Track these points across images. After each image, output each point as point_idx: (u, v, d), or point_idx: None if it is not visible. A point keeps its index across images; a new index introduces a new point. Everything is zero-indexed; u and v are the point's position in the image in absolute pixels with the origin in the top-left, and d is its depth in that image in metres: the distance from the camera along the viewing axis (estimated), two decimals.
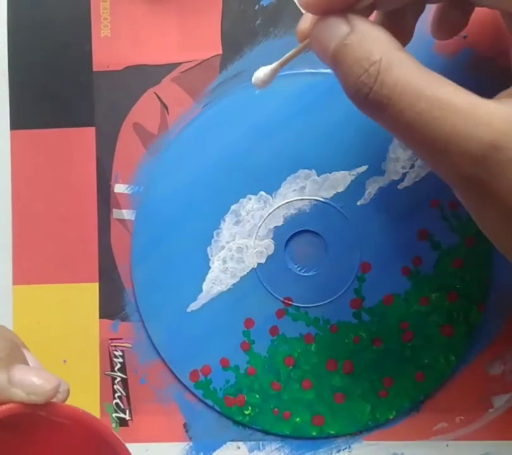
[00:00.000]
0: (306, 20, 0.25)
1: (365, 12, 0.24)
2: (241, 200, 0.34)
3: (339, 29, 0.24)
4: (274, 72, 0.26)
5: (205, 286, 0.34)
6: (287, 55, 0.26)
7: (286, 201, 0.34)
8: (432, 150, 0.23)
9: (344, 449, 0.34)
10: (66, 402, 0.25)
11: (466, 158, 0.22)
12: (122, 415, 0.35)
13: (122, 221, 0.35)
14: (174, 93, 0.35)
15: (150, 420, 0.35)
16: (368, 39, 0.23)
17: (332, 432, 0.34)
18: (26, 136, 0.35)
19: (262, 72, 0.26)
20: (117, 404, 0.35)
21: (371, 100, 0.23)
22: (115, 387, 0.35)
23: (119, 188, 0.35)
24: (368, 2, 0.24)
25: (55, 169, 0.35)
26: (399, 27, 0.28)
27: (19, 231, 0.35)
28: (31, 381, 0.24)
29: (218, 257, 0.34)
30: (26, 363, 0.26)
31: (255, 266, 0.34)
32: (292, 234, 0.34)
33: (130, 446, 0.35)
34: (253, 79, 0.26)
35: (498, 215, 0.23)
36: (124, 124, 0.35)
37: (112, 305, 0.35)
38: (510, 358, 0.33)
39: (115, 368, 0.35)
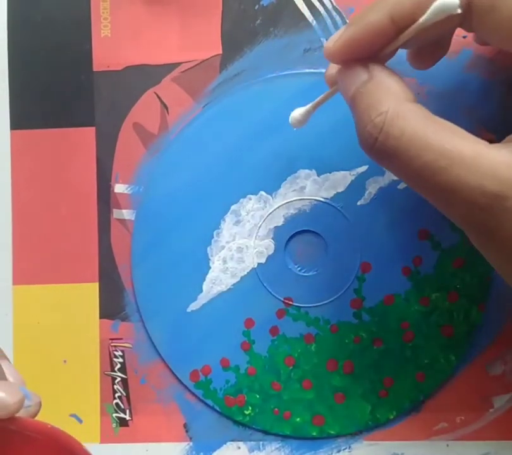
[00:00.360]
0: (333, 66, 0.26)
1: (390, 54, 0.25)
2: (241, 200, 0.34)
3: (358, 77, 0.25)
4: (308, 113, 0.28)
5: (205, 286, 0.34)
6: (320, 97, 0.28)
7: (286, 201, 0.34)
8: (440, 198, 0.23)
9: (344, 449, 0.34)
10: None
11: (472, 207, 0.22)
12: (122, 415, 0.35)
13: (122, 221, 0.35)
14: (174, 93, 0.35)
15: (150, 420, 0.35)
16: (380, 89, 0.24)
17: (332, 432, 0.34)
18: (26, 136, 0.35)
19: (297, 113, 0.29)
20: (117, 404, 0.35)
21: (377, 149, 0.24)
22: (115, 387, 0.35)
23: (119, 188, 0.35)
24: (389, 51, 0.25)
25: (55, 169, 0.35)
26: (429, 50, 0.28)
27: (19, 231, 0.35)
28: None
29: (218, 257, 0.34)
30: (3, 376, 0.26)
31: (255, 266, 0.34)
32: (292, 234, 0.34)
33: (130, 446, 0.35)
34: (290, 119, 0.29)
35: (508, 259, 0.23)
36: (124, 124, 0.35)
37: (112, 305, 0.35)
38: (510, 358, 0.33)
39: (116, 368, 0.35)
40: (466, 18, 0.22)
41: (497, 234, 0.23)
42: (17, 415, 0.24)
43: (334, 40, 0.25)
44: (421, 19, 0.22)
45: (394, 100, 0.23)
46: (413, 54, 0.28)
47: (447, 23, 0.22)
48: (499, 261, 0.24)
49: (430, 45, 0.27)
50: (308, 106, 0.28)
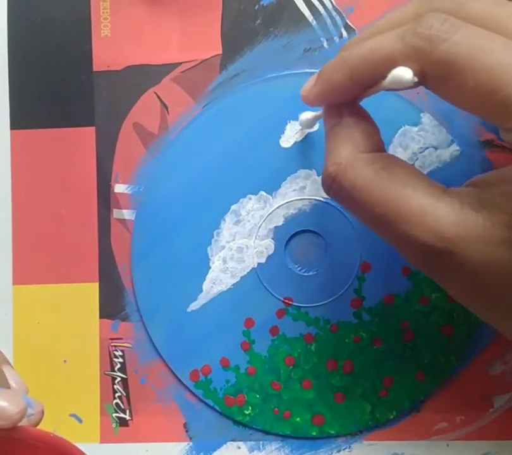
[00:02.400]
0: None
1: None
2: (241, 199, 0.34)
3: (330, 119, 0.26)
4: (317, 118, 0.30)
5: (205, 286, 0.34)
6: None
7: (286, 201, 0.34)
8: (393, 245, 0.24)
9: (344, 449, 0.34)
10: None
11: (422, 261, 0.23)
12: (122, 415, 0.35)
13: (122, 221, 0.35)
14: (174, 93, 0.35)
15: (150, 420, 0.35)
16: (343, 136, 0.25)
17: (332, 432, 0.33)
18: (26, 136, 0.35)
19: (306, 116, 0.31)
20: (117, 404, 0.35)
21: (333, 196, 0.25)
22: (115, 387, 0.35)
23: (119, 188, 0.35)
24: (361, 99, 0.26)
25: (55, 169, 0.35)
26: None
27: (19, 231, 0.35)
28: None
29: (218, 257, 0.34)
30: (6, 382, 0.26)
31: (255, 266, 0.34)
32: (292, 234, 0.34)
33: (130, 446, 0.35)
34: (299, 122, 0.32)
35: (465, 303, 0.24)
36: (124, 124, 0.35)
37: (112, 305, 0.35)
38: (510, 358, 0.33)
39: (116, 368, 0.35)
40: (424, 83, 0.23)
41: (449, 288, 0.24)
42: (19, 424, 0.24)
43: (306, 91, 0.26)
44: (380, 86, 0.23)
45: (350, 151, 0.24)
46: None
47: (406, 86, 0.22)
48: (459, 299, 0.25)
49: None
50: (316, 113, 0.30)
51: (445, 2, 0.23)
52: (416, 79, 0.22)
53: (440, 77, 0.22)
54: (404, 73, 0.22)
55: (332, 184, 0.24)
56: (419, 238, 0.22)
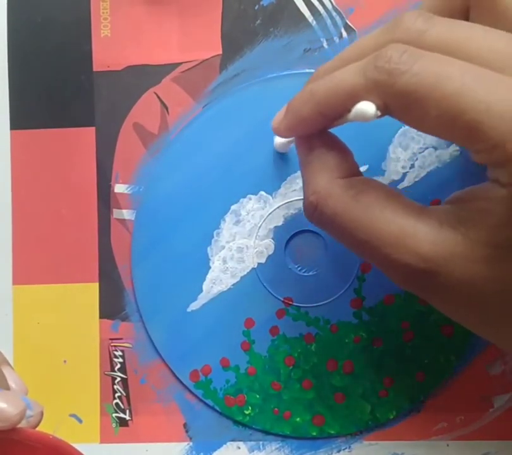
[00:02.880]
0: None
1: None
2: (241, 199, 0.34)
3: (302, 149, 0.26)
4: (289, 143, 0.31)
5: (205, 286, 0.34)
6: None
7: (286, 201, 0.34)
8: (377, 267, 0.24)
9: (344, 449, 0.34)
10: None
11: (404, 280, 0.24)
12: (122, 415, 0.35)
13: (122, 221, 0.35)
14: (174, 93, 0.35)
15: (150, 420, 0.35)
16: (317, 164, 0.25)
17: (332, 432, 0.34)
18: (26, 136, 0.35)
19: (279, 141, 0.32)
20: (117, 404, 0.35)
21: (316, 223, 0.25)
22: (115, 387, 0.35)
23: (119, 188, 0.35)
24: (330, 128, 0.26)
25: (55, 169, 0.35)
26: None
27: (19, 231, 0.35)
28: None
29: (218, 257, 0.34)
30: (5, 383, 0.26)
31: (255, 266, 0.34)
32: (292, 234, 0.34)
33: (130, 446, 0.35)
34: (275, 145, 0.33)
35: (446, 313, 0.25)
36: (124, 124, 0.35)
37: (112, 305, 0.35)
38: (510, 358, 0.33)
39: (116, 368, 0.35)
40: (388, 114, 0.23)
41: (436, 306, 0.24)
42: (18, 426, 0.24)
43: (276, 122, 0.27)
44: (345, 119, 0.23)
45: (326, 179, 0.24)
46: None
47: (370, 119, 0.22)
48: (448, 315, 0.25)
49: None
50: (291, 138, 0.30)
51: (405, 31, 0.23)
52: (379, 113, 0.22)
53: (403, 108, 0.22)
54: (366, 108, 0.22)
55: (314, 213, 0.25)
56: (401, 260, 0.22)
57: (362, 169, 0.33)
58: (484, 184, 0.22)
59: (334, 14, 0.34)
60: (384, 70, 0.21)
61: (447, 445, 0.34)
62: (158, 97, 0.35)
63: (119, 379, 0.35)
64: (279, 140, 0.32)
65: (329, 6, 0.34)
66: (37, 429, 0.25)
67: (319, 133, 0.26)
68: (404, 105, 0.22)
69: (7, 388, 0.26)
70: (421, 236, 0.22)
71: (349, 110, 0.23)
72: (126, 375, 0.35)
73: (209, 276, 0.34)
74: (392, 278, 0.24)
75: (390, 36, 0.23)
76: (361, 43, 0.25)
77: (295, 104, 0.25)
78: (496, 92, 0.20)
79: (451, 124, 0.21)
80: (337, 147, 0.25)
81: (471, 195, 0.23)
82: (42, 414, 0.25)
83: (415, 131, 0.33)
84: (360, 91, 0.22)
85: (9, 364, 0.28)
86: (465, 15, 0.25)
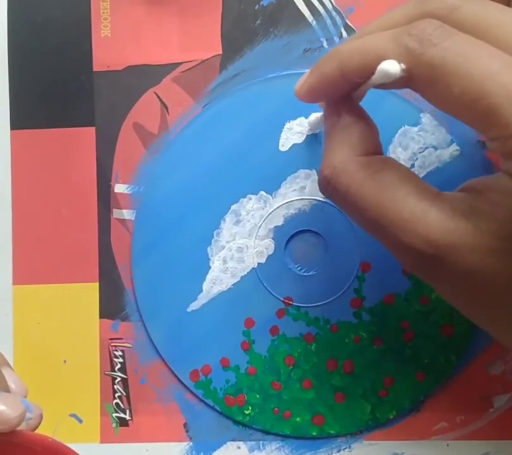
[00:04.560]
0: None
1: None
2: (241, 199, 0.34)
3: (329, 117, 0.26)
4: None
5: (205, 286, 0.34)
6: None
7: (286, 201, 0.34)
8: (385, 247, 0.24)
9: (344, 449, 0.34)
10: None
11: (410, 263, 0.24)
12: (122, 415, 0.35)
13: (122, 221, 0.35)
14: (174, 93, 0.35)
15: (150, 420, 0.35)
16: (340, 137, 0.25)
17: (332, 432, 0.33)
18: (26, 136, 0.35)
19: (314, 117, 0.31)
20: (117, 404, 0.35)
21: (329, 197, 0.25)
22: (115, 387, 0.35)
23: (119, 188, 0.35)
24: (359, 98, 0.26)
25: (55, 169, 0.35)
26: None
27: (19, 231, 0.35)
28: None
29: (218, 257, 0.34)
30: (5, 384, 0.26)
31: (255, 266, 0.34)
32: (292, 234, 0.34)
33: (130, 446, 0.35)
34: (308, 124, 0.32)
35: (450, 300, 0.25)
36: (124, 124, 0.35)
37: (112, 305, 0.35)
38: (510, 358, 0.33)
39: (116, 368, 0.35)
40: (411, 84, 0.23)
41: (440, 292, 0.24)
42: (17, 428, 0.24)
43: (299, 85, 0.26)
44: (369, 81, 0.23)
45: (346, 154, 0.24)
46: None
47: (396, 84, 0.22)
48: (451, 303, 0.25)
49: None
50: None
51: (438, 5, 0.23)
52: (402, 71, 0.22)
53: (427, 80, 0.22)
54: (390, 66, 0.22)
55: (327, 187, 0.25)
56: (410, 244, 0.22)
57: None
58: (497, 174, 0.22)
59: (334, 14, 0.34)
60: (417, 38, 0.22)
61: (447, 445, 0.34)
62: (158, 97, 0.35)
63: (119, 379, 0.35)
64: (312, 117, 0.32)
65: (329, 6, 0.34)
66: (36, 431, 0.25)
67: (348, 102, 0.25)
68: (429, 77, 0.22)
69: (7, 389, 0.26)
70: (432, 221, 0.22)
71: (372, 74, 0.22)
72: (126, 375, 0.35)
73: (209, 276, 0.34)
74: (399, 260, 0.24)
75: (423, 10, 0.23)
76: (392, 14, 0.24)
77: (319, 64, 0.25)
78: None
79: (471, 105, 0.21)
80: (364, 121, 0.25)
81: (484, 186, 0.23)
82: (41, 416, 0.25)
83: (415, 131, 0.33)
84: (389, 55, 0.22)
85: (9, 366, 0.28)
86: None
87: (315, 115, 0.31)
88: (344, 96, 0.25)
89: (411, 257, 0.23)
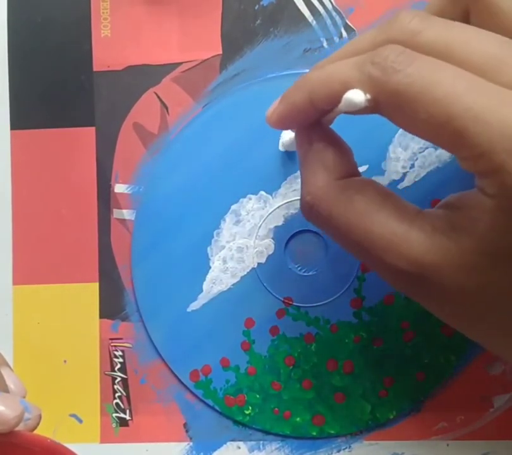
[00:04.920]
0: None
1: None
2: (241, 199, 0.34)
3: (301, 144, 0.26)
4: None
5: (205, 286, 0.34)
6: None
7: (286, 201, 0.34)
8: (371, 268, 0.25)
9: (344, 449, 0.34)
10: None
11: (397, 284, 0.24)
12: (122, 415, 0.35)
13: (122, 221, 0.35)
14: (174, 93, 0.35)
15: (150, 420, 0.35)
16: (315, 162, 0.25)
17: (332, 432, 0.33)
18: (26, 136, 0.35)
19: (288, 137, 0.32)
20: (117, 404, 0.35)
21: (312, 222, 0.25)
22: (115, 387, 0.35)
23: (119, 188, 0.35)
24: (329, 123, 0.26)
25: (55, 169, 0.35)
26: None
27: (19, 231, 0.35)
28: None
29: (218, 257, 0.34)
30: (4, 384, 0.26)
31: (255, 266, 0.34)
32: (292, 233, 0.34)
33: (130, 446, 0.35)
34: (280, 145, 0.33)
35: (440, 317, 0.25)
36: (124, 124, 0.35)
37: (112, 305, 0.35)
38: None
39: (116, 368, 0.35)
40: (377, 111, 0.23)
41: (430, 310, 0.24)
42: (16, 428, 0.24)
43: (270, 112, 0.27)
44: (336, 110, 0.23)
45: (323, 179, 0.24)
46: None
47: (363, 111, 0.23)
48: (442, 319, 0.25)
49: None
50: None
51: (400, 31, 0.23)
52: (367, 101, 0.22)
53: (393, 107, 0.22)
54: (355, 96, 0.22)
55: (310, 213, 0.25)
56: (393, 264, 0.23)
57: (362, 169, 0.33)
58: (474, 191, 0.22)
59: (334, 14, 0.34)
60: (379, 66, 0.22)
61: (447, 445, 0.34)
62: (158, 97, 0.35)
63: (119, 379, 0.35)
64: (285, 138, 0.32)
65: (329, 6, 0.34)
66: (36, 431, 0.25)
67: (319, 127, 0.26)
68: (394, 104, 0.22)
69: (6, 389, 0.26)
70: (413, 241, 0.22)
71: (339, 102, 0.23)
72: (126, 375, 0.35)
73: (209, 276, 0.34)
74: (386, 280, 0.24)
75: (386, 35, 0.23)
76: (357, 41, 0.25)
77: (288, 93, 0.25)
78: (485, 101, 0.20)
79: (438, 128, 0.21)
80: (337, 144, 0.25)
81: (462, 202, 0.23)
82: (40, 417, 0.25)
83: None
84: (353, 84, 0.22)
85: (8, 366, 0.28)
86: (466, 18, 0.25)
87: (289, 136, 0.32)
88: (314, 122, 0.25)
89: (396, 277, 0.23)
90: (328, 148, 0.25)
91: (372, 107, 0.22)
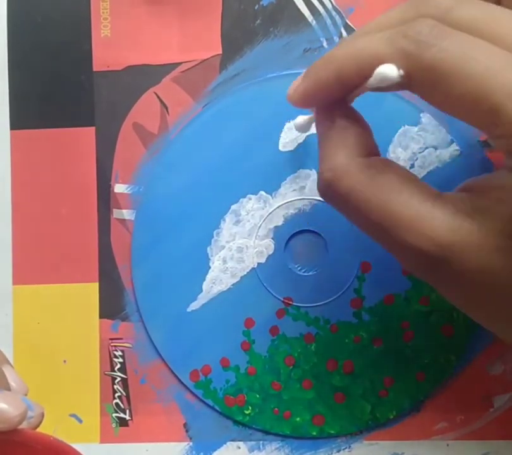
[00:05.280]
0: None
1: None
2: (241, 199, 0.34)
3: (323, 122, 0.25)
4: (311, 120, 0.30)
5: (205, 286, 0.34)
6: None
7: (286, 201, 0.34)
8: (389, 250, 0.24)
9: (344, 449, 0.34)
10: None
11: (415, 265, 0.23)
12: (122, 415, 0.35)
13: (122, 221, 0.35)
14: (174, 93, 0.35)
15: (150, 420, 0.35)
16: (337, 140, 0.24)
17: (332, 432, 0.33)
18: (26, 136, 0.35)
19: (301, 120, 0.30)
20: (117, 404, 0.35)
21: (329, 200, 0.25)
22: (115, 387, 0.35)
23: (119, 188, 0.35)
24: (351, 100, 0.25)
25: (55, 169, 0.35)
26: None
27: (19, 231, 0.35)
28: None
29: (218, 257, 0.34)
30: (6, 382, 0.26)
31: (255, 266, 0.34)
32: (292, 233, 0.34)
33: (130, 446, 0.35)
34: (294, 125, 0.31)
35: (455, 302, 0.24)
36: (124, 124, 0.35)
37: (112, 305, 0.35)
38: (510, 358, 0.33)
39: (116, 368, 0.35)
40: (409, 87, 0.23)
41: (445, 294, 0.24)
42: (19, 427, 0.24)
43: (292, 89, 0.25)
44: (365, 86, 0.23)
45: (345, 156, 0.24)
46: None
47: (393, 87, 0.22)
48: (456, 305, 0.25)
49: None
50: (309, 116, 0.29)
51: (432, 7, 0.23)
52: (400, 76, 0.22)
53: (426, 82, 0.22)
54: (389, 70, 0.22)
55: (327, 190, 0.24)
56: (415, 245, 0.22)
57: None
58: (499, 172, 0.22)
59: (333, 14, 0.34)
60: (413, 40, 0.21)
61: (447, 445, 0.33)
62: (158, 97, 0.35)
63: (119, 379, 0.35)
64: (299, 120, 0.31)
65: (329, 6, 0.34)
66: (37, 430, 0.25)
67: (340, 105, 0.25)
68: (428, 79, 0.21)
69: (8, 387, 0.26)
70: (437, 221, 0.22)
71: (369, 78, 0.22)
72: (126, 375, 0.35)
73: (209, 276, 0.34)
74: (404, 263, 0.24)
75: (418, 11, 0.23)
76: (385, 17, 0.24)
77: (314, 69, 0.25)
78: None
79: (473, 105, 0.21)
80: (359, 123, 0.25)
81: (486, 184, 0.22)
82: (42, 415, 0.25)
83: (415, 130, 0.33)
84: (385, 58, 0.22)
85: (9, 364, 0.28)
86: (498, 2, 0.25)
87: (302, 118, 0.31)
88: (337, 100, 0.25)
89: (416, 259, 0.23)
90: (351, 125, 0.24)
91: (404, 83, 0.22)
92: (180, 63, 0.35)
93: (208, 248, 0.34)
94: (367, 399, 0.33)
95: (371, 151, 0.24)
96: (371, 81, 0.22)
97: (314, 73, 0.24)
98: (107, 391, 0.35)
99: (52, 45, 0.35)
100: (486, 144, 0.33)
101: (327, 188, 0.24)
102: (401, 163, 0.33)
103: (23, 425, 0.24)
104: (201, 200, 0.34)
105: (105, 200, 0.35)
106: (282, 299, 0.34)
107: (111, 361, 0.35)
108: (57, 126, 0.35)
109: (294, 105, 0.26)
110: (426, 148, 0.33)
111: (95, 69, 0.35)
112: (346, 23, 0.34)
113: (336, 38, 0.34)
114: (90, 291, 0.35)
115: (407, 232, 0.22)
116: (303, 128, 0.31)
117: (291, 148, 0.33)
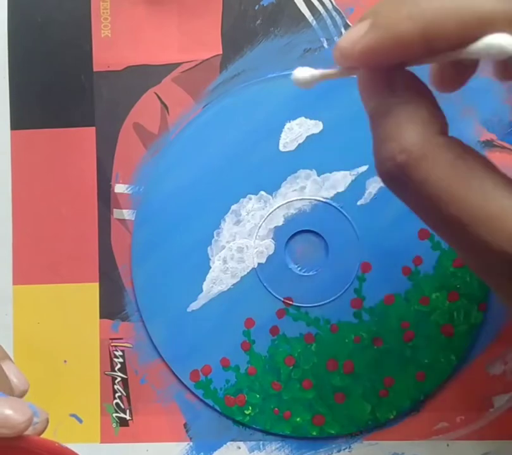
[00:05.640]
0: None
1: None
2: (242, 199, 0.34)
3: (380, 91, 0.20)
4: (314, 78, 0.23)
5: (205, 286, 0.34)
6: (330, 72, 0.22)
7: (286, 201, 0.34)
8: (459, 247, 0.20)
9: (344, 449, 0.34)
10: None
11: (492, 267, 0.20)
12: (122, 415, 0.35)
13: (122, 221, 0.35)
14: (174, 93, 0.35)
15: (151, 420, 0.35)
16: (405, 114, 0.19)
17: (332, 432, 0.33)
18: (26, 136, 0.35)
19: (302, 74, 0.23)
20: (117, 404, 0.35)
21: (396, 187, 0.21)
22: (115, 387, 0.35)
23: (119, 188, 0.35)
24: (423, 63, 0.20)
25: (55, 169, 0.35)
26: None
27: (19, 231, 0.35)
28: (3, 414, 0.22)
29: (218, 257, 0.34)
30: (6, 377, 0.26)
31: (255, 266, 0.34)
32: (292, 234, 0.34)
33: (130, 446, 0.35)
34: (294, 79, 0.23)
35: None
36: (124, 124, 0.35)
37: (112, 305, 0.35)
38: (510, 358, 0.33)
39: (116, 368, 0.35)
40: None
41: None
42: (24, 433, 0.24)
43: (352, 41, 0.20)
44: (467, 52, 0.18)
45: (421, 134, 0.19)
46: (436, 74, 0.23)
47: (503, 58, 0.18)
48: None
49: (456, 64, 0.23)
50: (316, 72, 0.22)
51: None
52: None
53: None
54: (506, 41, 0.17)
55: (400, 176, 0.19)
56: (496, 245, 0.19)
57: (362, 169, 0.33)
58: None
59: (334, 14, 0.34)
60: None
61: (447, 445, 0.34)
62: (159, 97, 0.35)
63: (119, 379, 0.35)
64: (302, 73, 0.23)
65: (329, 6, 0.34)
66: (42, 436, 0.25)
67: (405, 71, 0.20)
68: None
69: (8, 382, 0.26)
70: None
71: (469, 42, 0.18)
72: (126, 375, 0.35)
73: (209, 276, 0.34)
74: (476, 264, 0.20)
75: None
76: None
77: (388, 18, 0.19)
78: None
79: None
80: (430, 96, 0.20)
81: None
82: (47, 421, 0.25)
83: None
84: (499, 21, 0.17)
85: (9, 359, 0.27)
86: None
87: (306, 71, 0.23)
88: (399, 65, 0.20)
89: (495, 261, 0.19)
90: (422, 96, 0.20)
91: None
92: (180, 63, 0.35)
93: (209, 248, 0.34)
94: (367, 399, 0.33)
95: (446, 129, 0.20)
96: (474, 48, 0.17)
97: (389, 24, 0.19)
98: (108, 391, 0.35)
99: (52, 45, 0.35)
100: (486, 144, 0.33)
101: (398, 174, 0.19)
102: None
103: (29, 431, 0.24)
104: (201, 200, 0.34)
105: (106, 200, 0.35)
106: (282, 299, 0.34)
107: (111, 361, 0.35)
108: (57, 126, 0.35)
109: (346, 60, 0.20)
110: None
111: (95, 69, 0.35)
112: (346, 23, 0.34)
113: (336, 38, 0.34)
114: (90, 291, 0.35)
115: (489, 231, 0.19)
116: (306, 84, 0.24)
117: (291, 148, 0.33)
